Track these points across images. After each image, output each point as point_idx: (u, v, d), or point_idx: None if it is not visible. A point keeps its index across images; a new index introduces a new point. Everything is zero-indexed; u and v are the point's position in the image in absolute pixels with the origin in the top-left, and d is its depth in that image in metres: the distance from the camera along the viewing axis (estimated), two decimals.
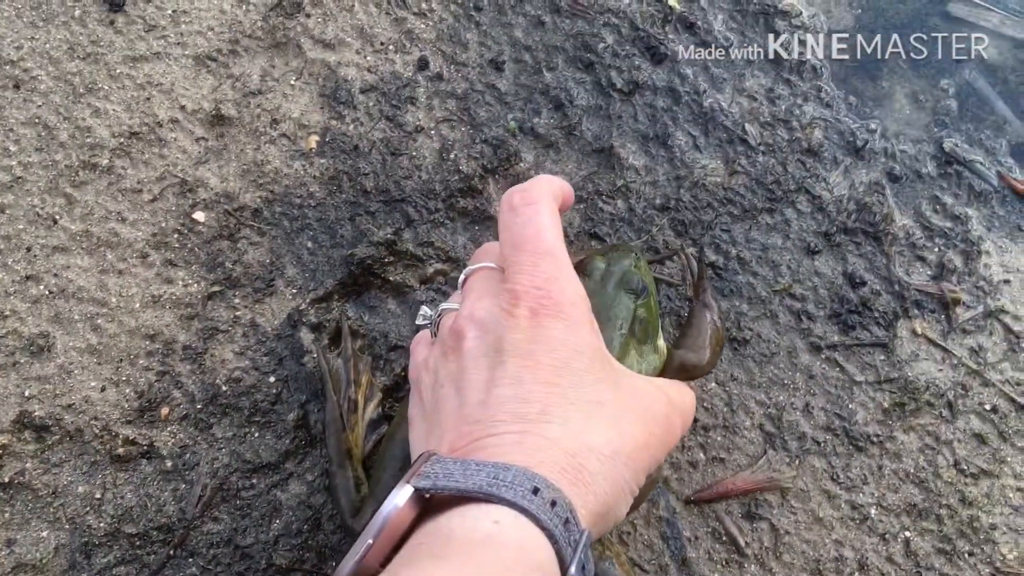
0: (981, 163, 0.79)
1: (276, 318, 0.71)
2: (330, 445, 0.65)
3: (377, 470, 0.62)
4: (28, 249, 0.70)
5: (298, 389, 0.70)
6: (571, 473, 0.42)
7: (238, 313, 0.71)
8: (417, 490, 0.41)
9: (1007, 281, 0.76)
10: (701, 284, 0.69)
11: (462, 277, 0.55)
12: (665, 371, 0.61)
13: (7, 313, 0.68)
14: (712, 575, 0.69)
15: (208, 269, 0.72)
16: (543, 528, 0.39)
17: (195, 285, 0.71)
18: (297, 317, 0.71)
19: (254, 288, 0.72)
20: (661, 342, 0.62)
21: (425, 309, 0.60)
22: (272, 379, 0.70)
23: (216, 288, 0.71)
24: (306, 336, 0.71)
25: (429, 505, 0.41)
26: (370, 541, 0.39)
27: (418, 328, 0.71)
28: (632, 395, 0.49)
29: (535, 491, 0.39)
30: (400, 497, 0.40)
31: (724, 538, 0.70)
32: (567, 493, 0.41)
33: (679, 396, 0.55)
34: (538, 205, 0.52)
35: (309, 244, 0.73)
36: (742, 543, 0.69)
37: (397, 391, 0.70)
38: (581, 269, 0.62)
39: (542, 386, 0.45)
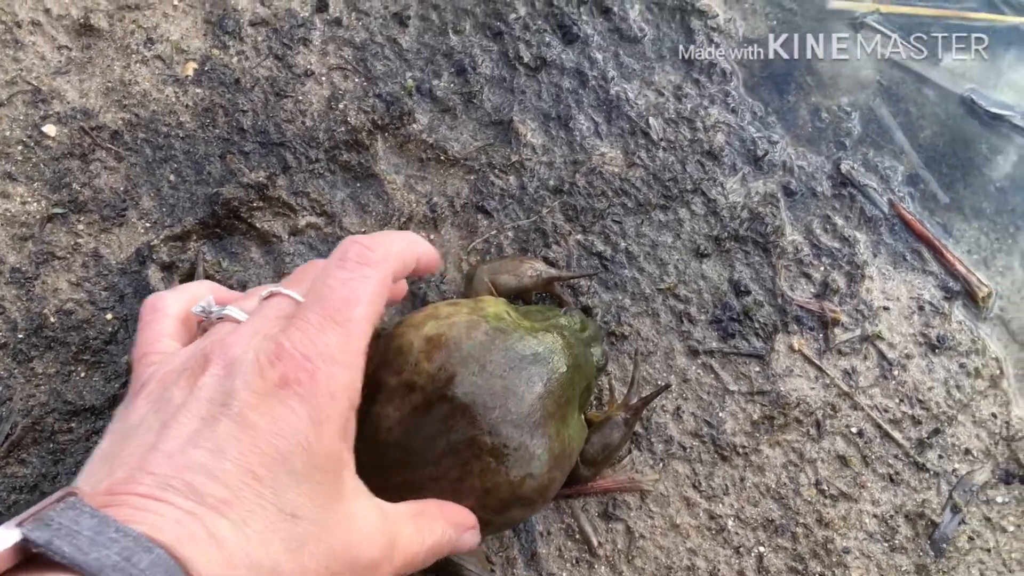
0: (875, 189, 0.83)
1: (123, 251, 0.68)
2: None
3: None
4: None
5: (135, 330, 0.66)
6: None
7: (80, 240, 0.67)
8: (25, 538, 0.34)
9: (886, 308, 0.79)
10: (640, 404, 0.69)
11: (266, 291, 0.50)
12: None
13: None
14: (561, 573, 0.69)
15: (52, 188, 0.68)
16: None
17: (35, 204, 0.67)
18: (147, 253, 0.68)
19: (102, 215, 0.68)
20: (583, 419, 0.66)
21: (210, 299, 0.53)
22: (109, 316, 0.66)
23: (58, 210, 0.68)
24: (154, 274, 0.67)
25: (37, 558, 0.35)
26: None
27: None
28: (344, 524, 0.44)
29: None
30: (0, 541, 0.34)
31: (577, 536, 0.70)
32: None
33: (409, 542, 0.50)
34: (370, 269, 0.47)
35: (171, 177, 0.70)
36: (595, 543, 0.69)
37: None
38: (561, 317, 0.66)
39: (240, 472, 0.40)
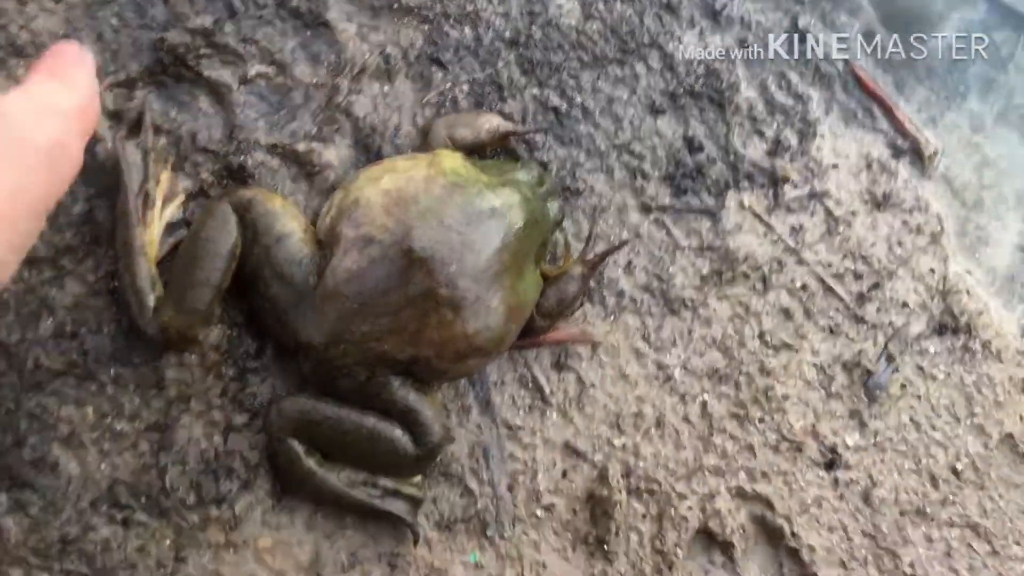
0: (830, 45, 0.83)
1: None
2: (120, 238, 0.62)
3: (181, 273, 0.61)
4: None
5: (87, 180, 0.65)
6: None
7: None
8: None
9: (835, 165, 0.81)
10: (598, 259, 0.71)
11: None
12: None
13: None
14: (514, 420, 0.72)
15: None
16: None
17: None
18: None
19: None
20: (538, 272, 0.68)
21: None
22: None
23: None
24: (101, 123, 0.66)
25: None
26: None
27: None
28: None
29: None
30: None
31: (530, 385, 0.72)
32: None
33: (75, 99, 0.47)
34: None
35: (113, 20, 0.68)
36: (547, 391, 0.72)
37: (201, 196, 0.67)
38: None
39: None
